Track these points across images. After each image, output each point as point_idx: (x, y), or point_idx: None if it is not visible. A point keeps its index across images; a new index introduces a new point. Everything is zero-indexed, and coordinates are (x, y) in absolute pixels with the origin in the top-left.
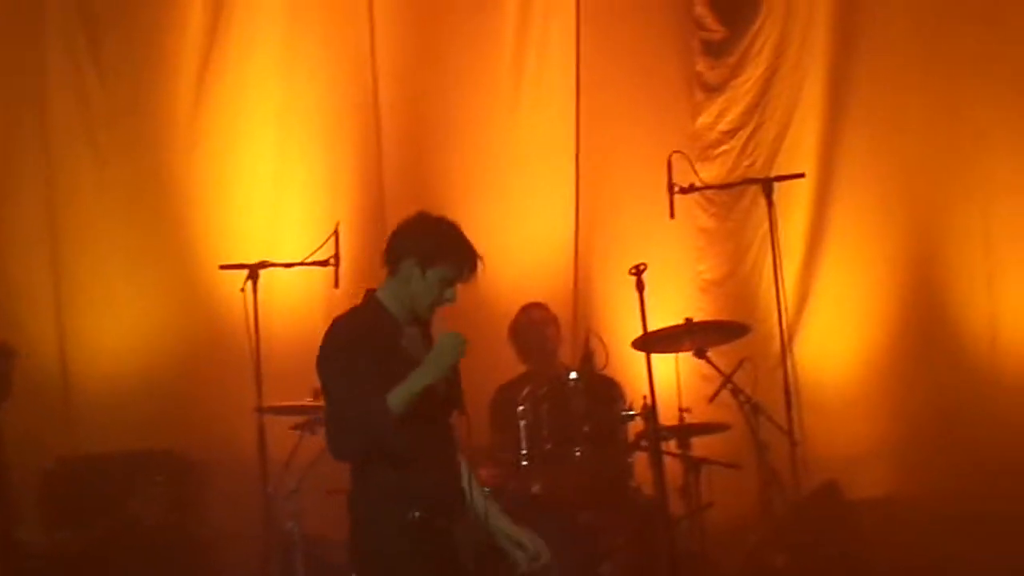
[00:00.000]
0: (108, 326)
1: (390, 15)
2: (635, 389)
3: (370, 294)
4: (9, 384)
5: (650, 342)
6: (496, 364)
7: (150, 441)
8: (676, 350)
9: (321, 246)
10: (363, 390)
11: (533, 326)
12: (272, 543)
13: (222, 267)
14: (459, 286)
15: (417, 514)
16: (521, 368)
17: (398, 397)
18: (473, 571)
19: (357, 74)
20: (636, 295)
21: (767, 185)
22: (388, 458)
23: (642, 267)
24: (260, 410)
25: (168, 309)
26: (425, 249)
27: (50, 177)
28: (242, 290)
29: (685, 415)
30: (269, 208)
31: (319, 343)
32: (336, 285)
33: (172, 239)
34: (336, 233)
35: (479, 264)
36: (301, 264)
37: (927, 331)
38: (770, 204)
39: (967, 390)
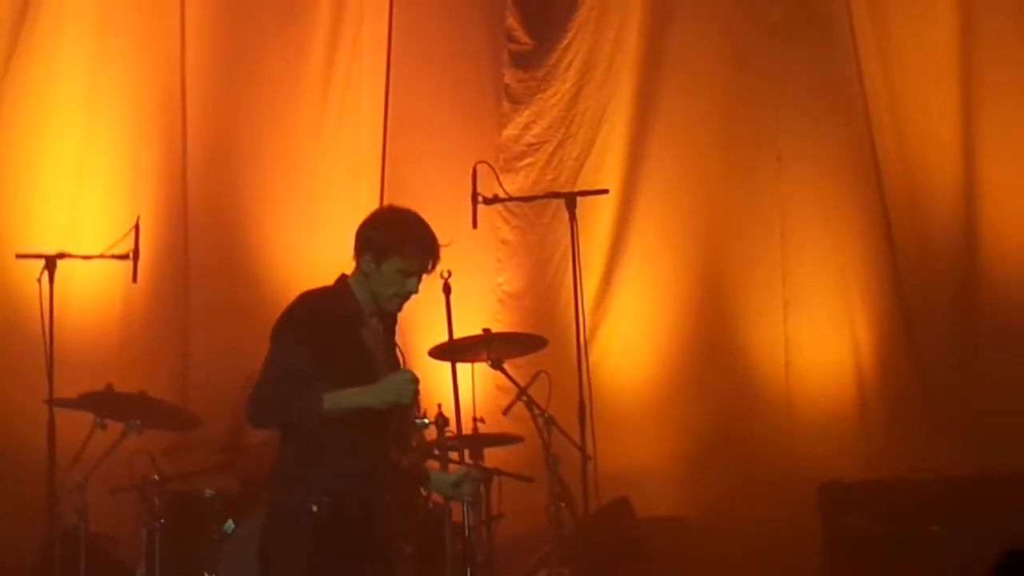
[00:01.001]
0: None
1: (201, 16)
2: (430, 397)
3: (343, 278)
4: None
5: (448, 352)
6: None
7: None
8: (473, 360)
9: (121, 239)
10: (302, 374)
11: None
12: (55, 537)
13: (19, 256)
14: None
15: (315, 507)
16: None
17: (332, 403)
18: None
19: (165, 73)
20: (434, 303)
21: (571, 199)
22: (299, 442)
23: (448, 274)
24: (51, 402)
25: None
26: (378, 242)
27: None
28: (38, 280)
29: (479, 425)
30: (69, 199)
31: (115, 336)
32: (135, 279)
33: None
34: (137, 227)
35: (435, 251)
36: (100, 257)
37: (718, 351)
38: (573, 219)
39: (757, 411)
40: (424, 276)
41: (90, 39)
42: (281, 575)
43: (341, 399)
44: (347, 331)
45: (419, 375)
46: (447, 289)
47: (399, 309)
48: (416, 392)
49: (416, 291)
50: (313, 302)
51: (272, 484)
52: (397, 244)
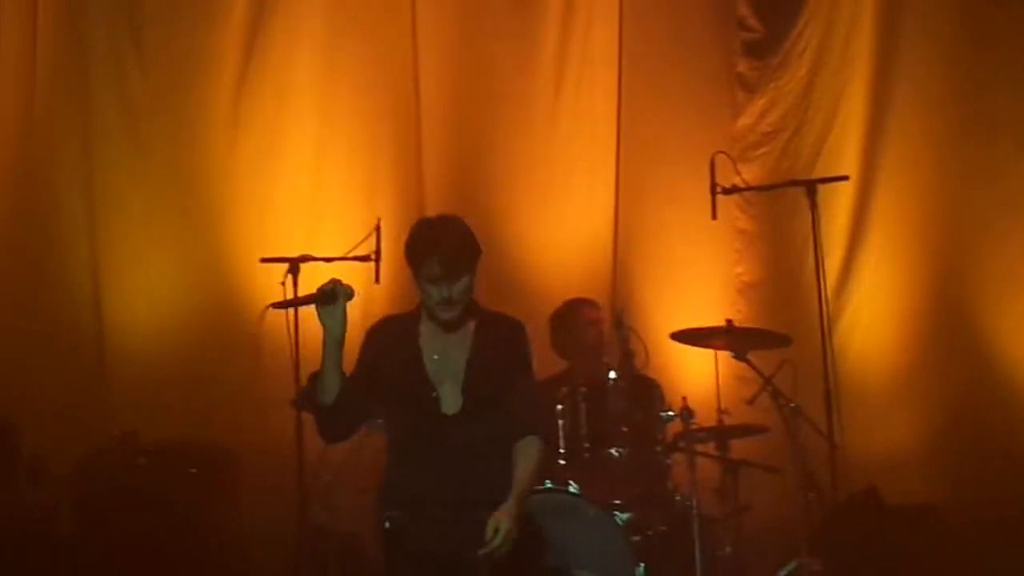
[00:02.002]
0: (147, 318)
1: (432, 13)
2: (673, 389)
3: None
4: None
5: (690, 336)
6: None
7: (185, 428)
8: (714, 346)
9: (362, 241)
10: (349, 391)
11: (582, 325)
12: (305, 538)
13: (263, 260)
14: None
15: (387, 524)
16: (561, 364)
17: (320, 378)
18: None
19: (398, 71)
20: (675, 295)
21: (811, 187)
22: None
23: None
24: (298, 403)
25: (207, 302)
26: (407, 256)
27: (89, 170)
28: (283, 283)
29: (724, 417)
30: (308, 204)
31: (359, 337)
32: (377, 280)
33: (211, 232)
34: (378, 229)
35: (439, 254)
36: (342, 259)
37: (963, 335)
38: (814, 206)
39: (1003, 396)
40: (453, 281)
41: (323, 44)
42: None
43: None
44: (400, 345)
45: (660, 367)
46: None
47: (450, 317)
48: (325, 291)
49: (448, 296)
50: (375, 324)
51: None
52: (409, 255)
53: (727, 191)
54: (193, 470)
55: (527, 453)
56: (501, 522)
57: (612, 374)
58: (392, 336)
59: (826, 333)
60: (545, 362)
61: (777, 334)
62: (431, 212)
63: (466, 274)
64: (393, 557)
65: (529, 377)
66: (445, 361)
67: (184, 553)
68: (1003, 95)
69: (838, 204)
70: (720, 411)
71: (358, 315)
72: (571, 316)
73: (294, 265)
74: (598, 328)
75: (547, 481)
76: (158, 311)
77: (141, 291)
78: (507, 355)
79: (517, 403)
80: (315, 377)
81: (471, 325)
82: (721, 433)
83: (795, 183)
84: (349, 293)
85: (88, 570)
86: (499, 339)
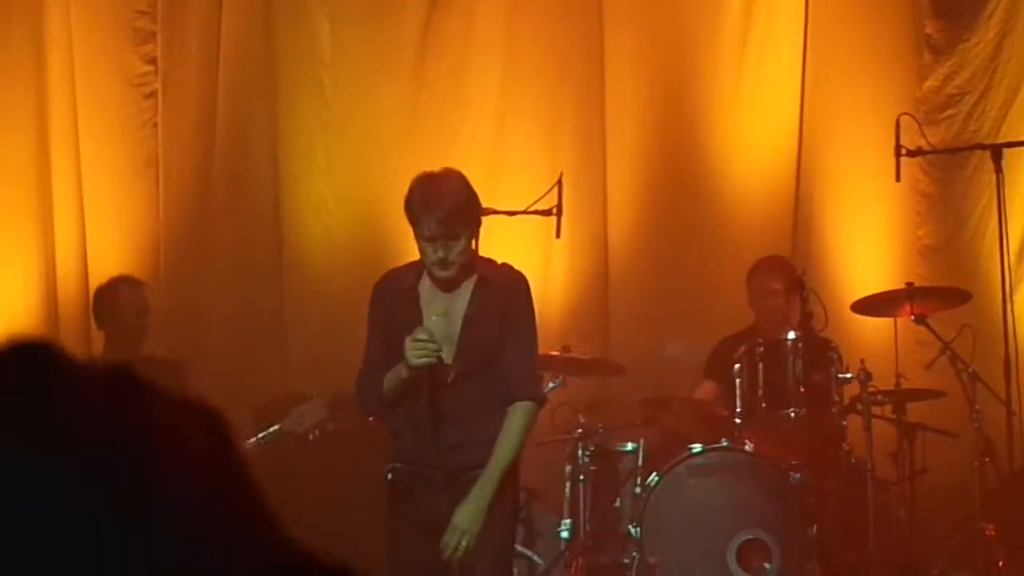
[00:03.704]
0: (327, 269)
1: None
2: (851, 352)
3: None
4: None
5: (870, 306)
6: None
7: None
8: (895, 315)
9: (545, 195)
10: (376, 360)
11: (762, 295)
12: None
13: None
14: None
15: (390, 475)
16: (749, 319)
17: (388, 385)
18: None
19: (583, 22)
20: (855, 256)
21: (997, 151)
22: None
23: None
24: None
25: (383, 256)
26: (406, 212)
27: (275, 118)
28: None
29: (901, 380)
30: (490, 157)
31: (537, 292)
32: (558, 235)
33: (392, 186)
34: (560, 182)
35: (434, 212)
36: (524, 212)
37: None
38: (999, 170)
39: None
40: (450, 240)
41: None
42: (387, 543)
43: (391, 380)
44: (405, 305)
45: (839, 329)
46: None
47: (446, 276)
48: (427, 350)
49: (444, 256)
50: (378, 282)
51: None
52: (407, 213)
53: (911, 153)
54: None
55: (510, 427)
56: (458, 529)
57: (791, 334)
58: (395, 295)
59: (1007, 298)
60: (737, 317)
61: (956, 290)
62: (612, 169)
63: (464, 234)
64: (393, 512)
65: (524, 334)
66: (445, 322)
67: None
68: None
69: (1022, 169)
70: (898, 374)
71: (539, 273)
72: (752, 282)
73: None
74: (777, 297)
75: (723, 440)
76: (336, 262)
77: (322, 240)
78: (504, 312)
79: (510, 363)
80: (377, 390)
81: (471, 282)
82: (898, 396)
83: (981, 147)
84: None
85: None
86: (497, 296)
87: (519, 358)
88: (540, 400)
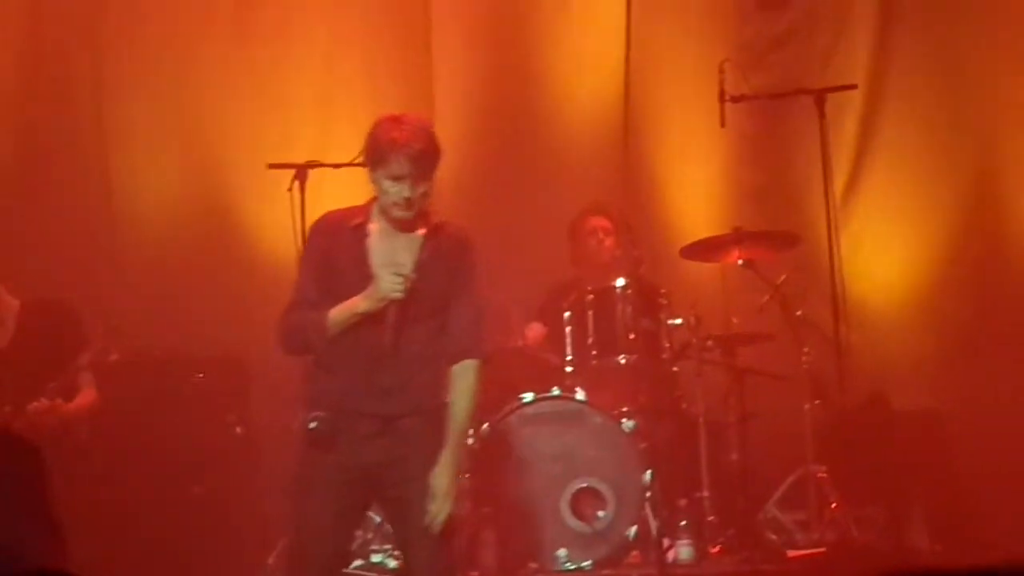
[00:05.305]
0: (158, 220)
1: None
2: (681, 296)
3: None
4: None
5: (699, 251)
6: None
7: (190, 334)
8: (724, 259)
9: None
10: (310, 297)
11: (590, 234)
12: None
13: (270, 166)
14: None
15: (313, 423)
16: (572, 270)
17: (335, 321)
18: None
19: None
20: (683, 201)
21: (819, 96)
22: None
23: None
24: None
25: (212, 207)
26: (366, 155)
27: (99, 72)
28: (289, 190)
29: (731, 325)
30: (316, 106)
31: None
32: None
33: (219, 137)
34: None
35: (408, 151)
36: (350, 165)
37: (981, 247)
38: (822, 115)
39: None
40: (418, 181)
41: None
42: (299, 492)
43: (342, 313)
44: (350, 245)
45: (669, 275)
46: None
47: (406, 216)
48: (402, 285)
49: (409, 196)
50: (319, 221)
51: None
52: (372, 152)
53: (735, 99)
54: (200, 375)
55: (462, 387)
56: (441, 494)
57: (620, 281)
58: (338, 234)
59: (833, 240)
60: (557, 268)
61: (785, 233)
62: (441, 112)
63: (431, 175)
64: (312, 461)
65: (472, 292)
66: (392, 264)
67: (192, 458)
68: None
69: (846, 114)
70: (728, 319)
71: None
72: (577, 224)
73: (301, 172)
74: (605, 239)
75: (555, 388)
76: (168, 214)
77: (153, 190)
78: (453, 267)
79: (456, 319)
80: (321, 325)
81: (421, 231)
82: (728, 341)
83: (803, 91)
84: None
85: (101, 477)
86: (447, 249)
87: (466, 313)
88: (487, 357)
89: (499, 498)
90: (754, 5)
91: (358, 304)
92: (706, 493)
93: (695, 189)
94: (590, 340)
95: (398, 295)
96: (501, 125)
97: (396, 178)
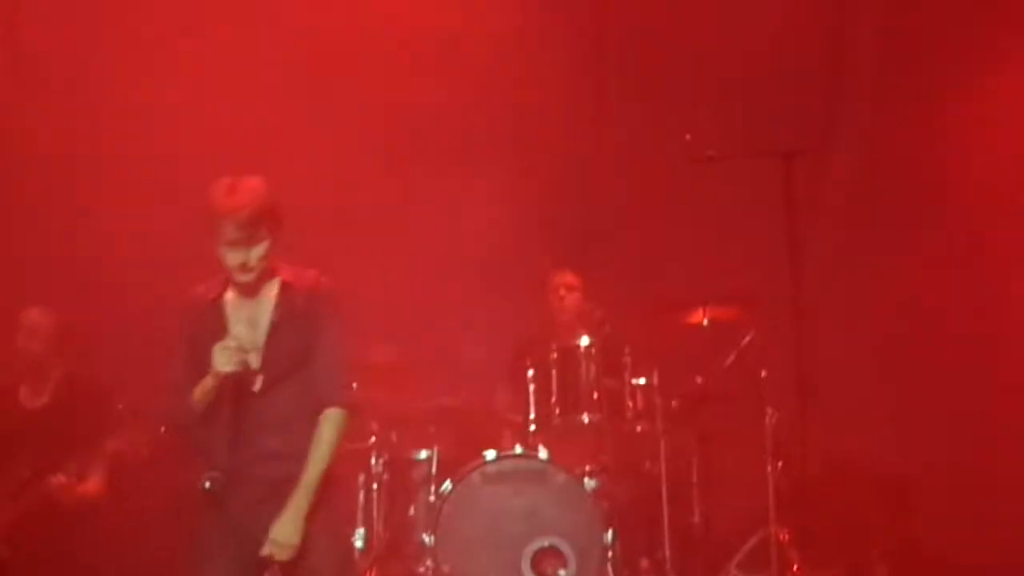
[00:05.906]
0: None
1: None
2: (646, 355)
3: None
4: None
5: (663, 309)
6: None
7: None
8: (689, 319)
9: None
10: (178, 382)
11: (553, 291)
12: None
13: None
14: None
15: (207, 484)
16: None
17: (199, 399)
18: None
19: None
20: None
21: (784, 158)
22: None
23: None
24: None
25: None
26: (208, 220)
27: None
28: None
29: (695, 384)
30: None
31: None
32: None
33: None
34: None
35: (226, 215)
36: None
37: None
38: (787, 178)
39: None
40: (250, 246)
41: None
42: (195, 553)
43: (200, 391)
44: (210, 318)
45: (633, 331)
46: None
47: (247, 280)
48: (236, 357)
49: (244, 261)
50: (181, 299)
51: None
52: (208, 221)
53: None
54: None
55: (319, 436)
56: (276, 542)
57: (584, 339)
58: (199, 309)
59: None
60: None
61: (750, 294)
62: None
63: (265, 239)
64: (208, 521)
65: (330, 339)
66: (251, 329)
67: None
68: None
69: (813, 176)
70: (691, 378)
71: None
72: (546, 280)
73: None
74: (569, 292)
75: (517, 447)
76: None
77: None
78: (308, 320)
79: (317, 369)
80: (188, 409)
81: (275, 288)
82: (691, 401)
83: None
84: None
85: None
86: (302, 301)
87: (326, 364)
88: (350, 406)
89: (461, 556)
90: None
91: (207, 381)
92: (668, 553)
93: (660, 248)
94: (553, 399)
95: (231, 368)
96: None
97: (230, 244)
